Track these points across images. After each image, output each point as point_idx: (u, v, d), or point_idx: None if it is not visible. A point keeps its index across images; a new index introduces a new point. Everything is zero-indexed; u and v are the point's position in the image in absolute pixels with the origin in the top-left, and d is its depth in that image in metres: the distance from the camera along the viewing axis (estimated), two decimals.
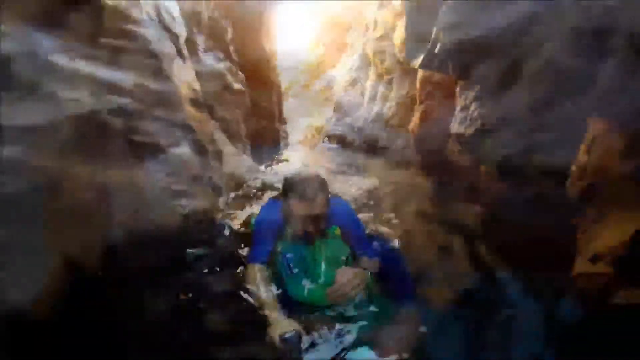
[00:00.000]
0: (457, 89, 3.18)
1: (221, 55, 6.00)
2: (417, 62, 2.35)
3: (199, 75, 3.27)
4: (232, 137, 4.75)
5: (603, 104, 1.33)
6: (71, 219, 1.32)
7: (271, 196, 1.57)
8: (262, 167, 4.95)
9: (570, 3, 1.16)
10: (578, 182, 1.47)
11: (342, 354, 1.03)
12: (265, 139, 7.46)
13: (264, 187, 3.51)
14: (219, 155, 2.89)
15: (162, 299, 1.38)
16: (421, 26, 2.07)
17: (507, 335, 1.27)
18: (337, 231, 1.39)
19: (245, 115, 6.31)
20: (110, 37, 1.77)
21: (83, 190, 1.39)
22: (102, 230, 1.44)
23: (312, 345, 1.02)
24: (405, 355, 1.07)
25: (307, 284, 1.23)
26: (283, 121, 9.88)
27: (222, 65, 5.51)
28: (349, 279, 1.17)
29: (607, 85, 1.24)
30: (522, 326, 1.28)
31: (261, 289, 1.23)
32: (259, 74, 7.70)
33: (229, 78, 5.50)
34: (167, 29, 2.64)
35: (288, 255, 1.33)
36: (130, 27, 1.89)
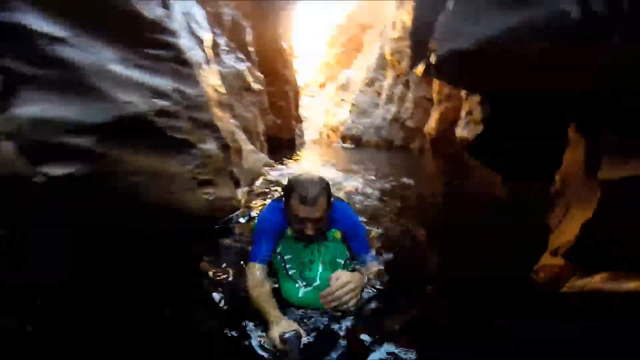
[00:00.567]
0: (463, 94, 3.40)
1: (241, 56, 6.41)
2: (419, 70, 2.59)
3: (220, 75, 3.62)
4: (250, 134, 5.13)
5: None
6: (123, 196, 1.69)
7: (274, 198, 1.62)
8: (278, 165, 5.31)
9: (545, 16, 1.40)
10: (556, 185, 1.71)
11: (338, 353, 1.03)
12: (282, 137, 7.80)
13: (278, 184, 3.85)
14: (239, 151, 3.25)
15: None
16: (424, 35, 2.32)
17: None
18: (337, 234, 1.40)
19: (263, 113, 6.68)
20: (151, 47, 2.14)
21: (133, 174, 1.76)
22: (144, 207, 1.80)
23: (312, 345, 1.01)
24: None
25: (301, 287, 1.20)
26: (299, 120, 10.15)
27: (242, 66, 5.92)
28: (343, 283, 1.12)
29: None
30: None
31: (261, 288, 1.22)
32: (276, 73, 8.06)
33: (249, 78, 5.90)
34: (195, 35, 3.02)
35: (286, 257, 1.32)
36: (167, 37, 2.25)
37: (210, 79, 2.78)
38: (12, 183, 1.29)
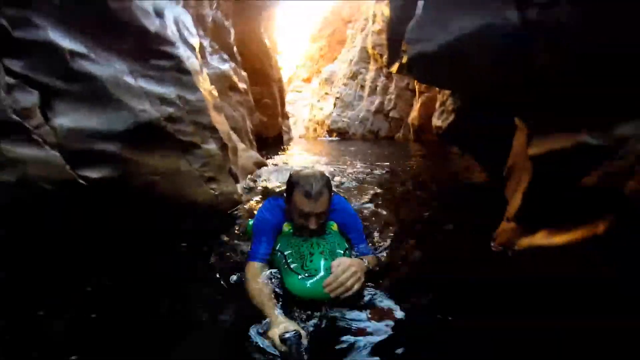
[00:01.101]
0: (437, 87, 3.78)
1: (225, 56, 6.62)
2: (394, 67, 2.94)
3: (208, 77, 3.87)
4: (239, 133, 5.39)
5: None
6: (143, 193, 1.98)
7: (270, 196, 1.65)
8: (267, 161, 5.62)
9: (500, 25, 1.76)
10: (508, 163, 2.10)
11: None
12: (269, 134, 8.06)
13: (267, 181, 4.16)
14: (234, 150, 3.54)
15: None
16: (399, 37, 2.68)
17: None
18: (335, 226, 1.45)
19: (249, 112, 6.93)
20: (156, 58, 2.41)
21: (150, 174, 2.05)
22: (161, 202, 2.10)
23: (312, 345, 1.02)
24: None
25: (303, 278, 1.22)
26: (285, 116, 10.45)
27: (227, 66, 6.14)
28: (346, 267, 1.16)
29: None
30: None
31: (260, 287, 1.23)
32: (260, 71, 8.28)
33: (234, 78, 6.14)
34: (186, 42, 3.28)
35: (286, 252, 1.34)
36: (168, 48, 2.52)
37: (205, 84, 3.06)
38: (61, 186, 1.56)
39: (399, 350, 1.07)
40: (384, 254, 1.75)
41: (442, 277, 1.58)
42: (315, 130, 16.88)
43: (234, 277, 1.43)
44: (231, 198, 2.81)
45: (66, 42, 1.79)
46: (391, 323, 1.16)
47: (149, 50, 2.38)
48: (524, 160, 1.81)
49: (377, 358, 1.04)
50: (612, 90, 1.31)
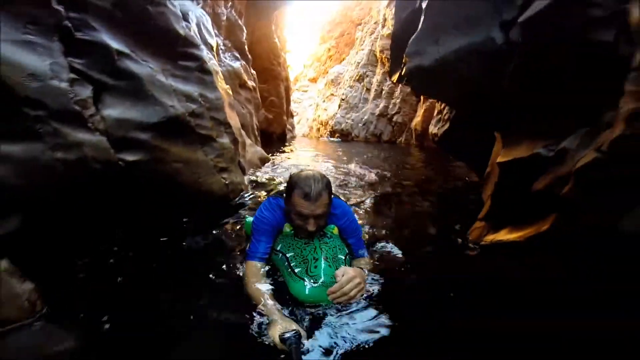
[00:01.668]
0: None
1: (237, 54, 6.99)
2: (395, 77, 3.29)
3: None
4: (246, 129, 5.75)
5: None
6: (167, 177, 2.34)
7: (271, 194, 1.66)
8: (271, 157, 5.98)
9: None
10: (487, 170, 2.46)
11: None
12: (273, 131, 8.41)
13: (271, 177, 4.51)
14: (243, 145, 3.91)
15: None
16: (401, 49, 3.03)
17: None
18: (335, 230, 1.47)
19: (256, 109, 7.28)
20: (183, 59, 2.77)
21: (174, 162, 2.41)
22: (182, 186, 2.46)
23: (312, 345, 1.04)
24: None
25: (308, 284, 1.24)
26: (290, 114, 10.81)
27: (238, 64, 6.51)
28: (350, 278, 1.18)
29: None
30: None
31: (260, 286, 1.26)
32: (269, 70, 8.64)
33: (244, 76, 6.51)
34: (206, 43, 3.64)
35: (288, 255, 1.36)
36: (194, 51, 2.88)
37: (222, 83, 3.42)
38: (106, 166, 1.92)
39: (397, 350, 1.11)
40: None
41: (421, 274, 1.77)
42: (318, 130, 17.23)
43: (233, 274, 1.45)
44: (239, 188, 3.17)
45: (114, 43, 2.15)
46: (388, 322, 1.20)
47: (178, 52, 2.74)
48: (496, 167, 2.17)
49: (376, 357, 1.07)
50: (561, 104, 1.65)
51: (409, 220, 2.92)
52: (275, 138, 8.25)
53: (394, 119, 15.64)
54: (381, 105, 16.19)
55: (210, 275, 1.51)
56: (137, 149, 2.16)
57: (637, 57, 1.30)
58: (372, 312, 1.23)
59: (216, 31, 6.45)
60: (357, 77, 17.73)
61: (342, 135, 17.38)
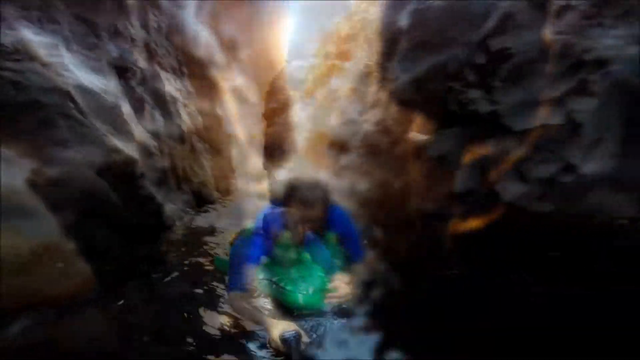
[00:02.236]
0: None
1: (238, 71, 7.55)
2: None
3: None
4: (250, 143, 6.24)
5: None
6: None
7: (247, 229, 1.65)
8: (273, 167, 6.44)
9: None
10: None
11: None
12: (274, 142, 8.87)
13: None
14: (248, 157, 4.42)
15: None
16: (389, 65, 3.56)
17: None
18: (334, 238, 1.56)
19: (259, 123, 7.79)
20: (198, 79, 3.29)
21: (186, 167, 2.88)
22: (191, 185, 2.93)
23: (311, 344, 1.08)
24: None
25: (300, 295, 1.35)
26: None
27: (240, 81, 7.04)
28: (344, 285, 1.33)
29: None
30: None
31: (250, 306, 1.36)
32: (271, 86, 9.17)
33: (246, 93, 7.03)
34: (213, 63, 4.19)
35: (274, 279, 1.46)
36: (207, 71, 3.41)
37: (230, 101, 3.96)
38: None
39: (394, 349, 1.18)
40: None
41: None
42: (316, 141, 17.79)
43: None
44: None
45: (147, 66, 2.65)
46: (384, 322, 1.33)
47: (195, 73, 3.27)
48: None
49: (374, 356, 1.13)
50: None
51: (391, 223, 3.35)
52: (276, 149, 8.66)
53: (392, 129, 16.20)
54: (378, 117, 16.75)
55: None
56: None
57: None
58: (365, 315, 1.36)
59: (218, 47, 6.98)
60: (353, 90, 18.39)
61: (340, 147, 17.89)
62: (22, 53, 1.87)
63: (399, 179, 3.21)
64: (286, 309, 1.38)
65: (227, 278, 1.57)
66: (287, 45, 6.13)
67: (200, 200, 6.05)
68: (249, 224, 1.99)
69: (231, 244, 1.95)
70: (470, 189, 2.54)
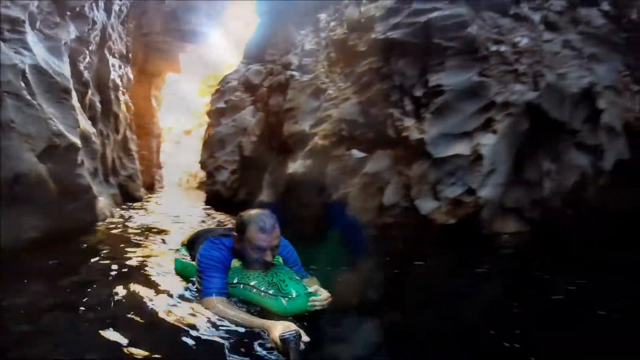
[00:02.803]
0: None
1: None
2: None
3: None
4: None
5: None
6: None
7: (209, 236, 1.73)
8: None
9: None
10: None
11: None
12: (143, 181, 8.80)
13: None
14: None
15: None
16: None
17: None
18: (280, 259, 1.67)
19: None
20: (135, 66, 3.33)
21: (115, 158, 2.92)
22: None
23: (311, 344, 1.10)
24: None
25: (284, 300, 1.41)
26: (159, 166, 12.02)
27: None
28: (325, 292, 1.45)
29: None
30: None
31: (238, 309, 1.39)
32: (143, 127, 9.44)
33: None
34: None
35: (252, 283, 1.51)
36: (148, 59, 3.46)
37: None
38: None
39: (392, 348, 1.21)
40: None
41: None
42: (188, 181, 17.59)
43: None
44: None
45: None
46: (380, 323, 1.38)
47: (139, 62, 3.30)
48: None
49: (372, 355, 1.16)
50: None
51: None
52: (145, 187, 8.73)
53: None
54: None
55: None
56: None
57: None
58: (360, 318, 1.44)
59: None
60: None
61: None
62: None
63: (338, 190, 3.59)
64: (267, 313, 1.41)
65: (196, 282, 1.59)
66: (247, 46, 6.14)
67: (127, 196, 5.77)
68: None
69: (184, 244, 2.11)
70: (396, 203, 3.06)
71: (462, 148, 2.92)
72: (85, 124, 3.12)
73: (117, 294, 1.55)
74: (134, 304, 1.46)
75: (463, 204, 2.75)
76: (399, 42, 3.38)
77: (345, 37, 3.98)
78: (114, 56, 4.20)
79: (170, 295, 1.59)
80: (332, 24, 4.36)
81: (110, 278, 1.77)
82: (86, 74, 3.07)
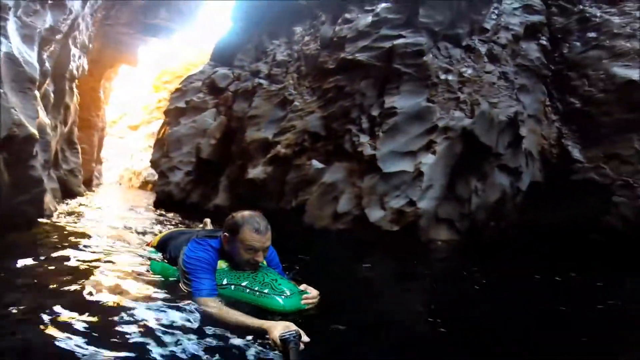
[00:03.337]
0: None
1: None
2: None
3: None
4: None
5: None
6: None
7: (195, 237, 1.73)
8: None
9: None
10: None
11: None
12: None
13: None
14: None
15: None
16: None
17: None
18: (264, 262, 1.68)
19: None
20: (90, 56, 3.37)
21: (58, 151, 2.96)
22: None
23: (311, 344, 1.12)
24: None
25: (279, 298, 1.44)
26: (99, 161, 11.57)
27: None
28: (311, 289, 1.51)
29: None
30: None
31: (234, 312, 1.37)
32: (86, 120, 9.05)
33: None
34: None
35: (244, 283, 1.52)
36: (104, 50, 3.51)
37: None
38: None
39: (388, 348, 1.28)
40: None
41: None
42: (130, 179, 16.99)
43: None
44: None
45: None
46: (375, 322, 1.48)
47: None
48: None
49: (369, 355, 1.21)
50: None
51: None
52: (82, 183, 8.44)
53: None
54: None
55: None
56: None
57: None
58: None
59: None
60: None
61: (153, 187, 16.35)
62: None
63: (296, 197, 3.90)
64: (262, 313, 1.42)
65: (182, 284, 1.58)
66: (215, 48, 6.14)
67: (66, 191, 5.44)
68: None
69: (152, 246, 2.13)
70: (349, 211, 3.46)
71: (406, 165, 3.41)
72: (42, 114, 3.06)
73: (90, 294, 1.46)
74: (114, 305, 1.40)
75: (405, 214, 3.23)
76: (363, 64, 3.85)
77: (317, 53, 4.36)
78: (76, 46, 4.09)
79: (147, 298, 1.53)
80: (307, 38, 4.69)
81: (82, 279, 1.62)
82: (47, 63, 3.02)
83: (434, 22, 3.78)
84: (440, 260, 3.09)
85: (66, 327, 1.15)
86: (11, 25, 2.26)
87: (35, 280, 1.61)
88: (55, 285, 1.54)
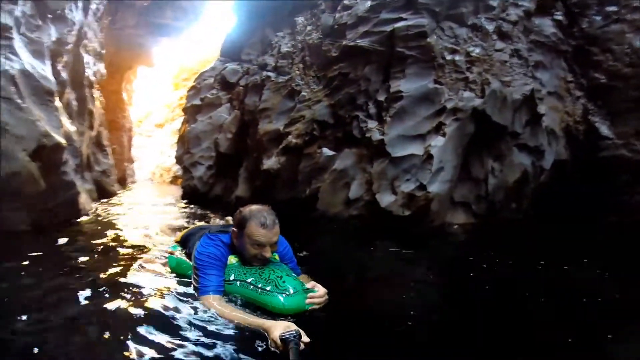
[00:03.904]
0: None
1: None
2: None
3: None
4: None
5: None
6: None
7: (207, 233, 1.73)
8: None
9: None
10: None
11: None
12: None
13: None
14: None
15: None
16: None
17: None
18: (276, 257, 1.68)
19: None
20: (107, 60, 3.59)
21: (90, 154, 3.21)
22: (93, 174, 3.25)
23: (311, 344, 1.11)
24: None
25: (281, 296, 1.42)
26: (130, 160, 12.25)
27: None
28: (318, 287, 1.49)
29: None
30: None
31: (236, 309, 1.40)
32: (114, 122, 9.49)
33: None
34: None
35: (249, 280, 1.52)
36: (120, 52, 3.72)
37: None
38: None
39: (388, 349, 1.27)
40: None
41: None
42: (161, 175, 17.58)
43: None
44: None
45: None
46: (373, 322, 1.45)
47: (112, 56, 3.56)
48: None
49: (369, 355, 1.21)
50: None
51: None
52: (117, 181, 8.95)
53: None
54: None
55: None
56: None
57: None
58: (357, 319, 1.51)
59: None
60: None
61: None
62: None
63: (310, 185, 3.99)
64: (264, 311, 1.43)
65: (192, 280, 1.60)
66: (223, 44, 6.25)
67: (101, 191, 5.90)
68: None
69: (177, 242, 2.15)
70: (360, 197, 3.51)
71: (416, 148, 3.39)
72: (67, 123, 3.35)
73: (109, 291, 1.59)
74: (127, 303, 1.48)
75: (415, 198, 3.22)
76: (365, 50, 3.82)
77: (319, 42, 4.37)
78: (88, 54, 4.37)
79: (163, 294, 1.61)
80: (309, 28, 4.70)
81: (101, 274, 1.81)
82: (63, 74, 3.28)
83: (434, 2, 3.68)
84: (448, 245, 3.02)
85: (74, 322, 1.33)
86: (18, 43, 2.48)
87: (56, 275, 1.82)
88: (79, 275, 1.81)
